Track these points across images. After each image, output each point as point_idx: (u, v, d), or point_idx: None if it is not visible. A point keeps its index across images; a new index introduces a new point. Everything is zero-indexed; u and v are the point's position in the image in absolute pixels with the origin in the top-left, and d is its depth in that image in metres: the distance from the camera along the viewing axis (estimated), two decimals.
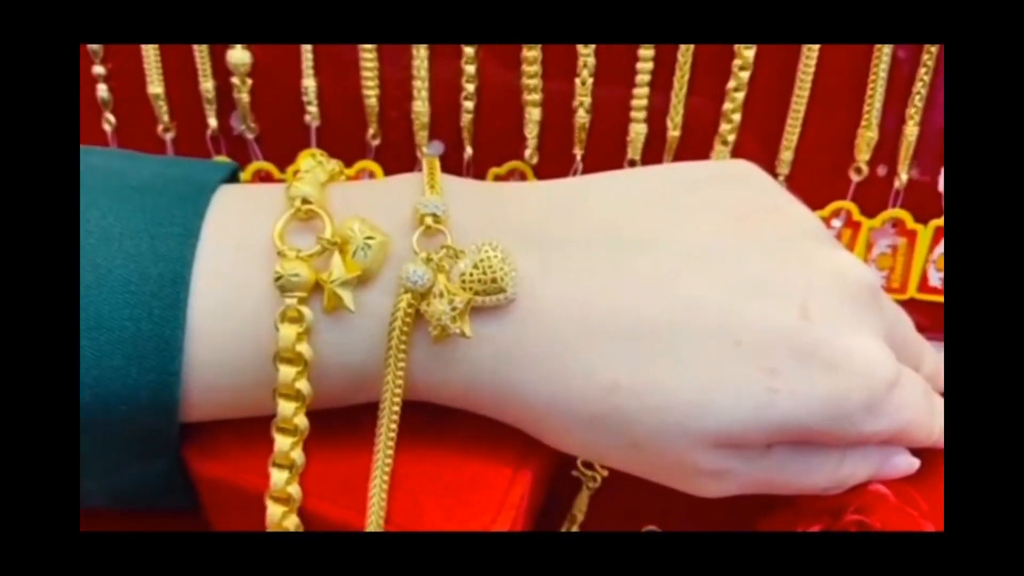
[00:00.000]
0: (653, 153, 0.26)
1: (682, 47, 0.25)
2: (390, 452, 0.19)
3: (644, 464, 0.20)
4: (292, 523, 0.19)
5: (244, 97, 0.27)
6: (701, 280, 0.19)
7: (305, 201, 0.18)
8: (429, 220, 0.18)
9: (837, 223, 0.27)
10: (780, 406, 0.18)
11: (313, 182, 0.19)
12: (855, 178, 0.26)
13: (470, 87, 0.26)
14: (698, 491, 0.20)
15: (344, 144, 0.27)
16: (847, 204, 0.27)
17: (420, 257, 0.18)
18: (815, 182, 0.26)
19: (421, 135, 0.27)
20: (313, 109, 0.27)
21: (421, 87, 0.26)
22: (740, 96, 0.25)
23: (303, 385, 0.18)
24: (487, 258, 0.18)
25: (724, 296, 0.18)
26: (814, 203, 0.23)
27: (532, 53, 0.25)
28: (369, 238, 0.18)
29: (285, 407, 0.18)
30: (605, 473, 0.25)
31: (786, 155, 0.26)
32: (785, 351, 0.18)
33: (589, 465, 0.25)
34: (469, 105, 0.26)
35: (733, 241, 0.19)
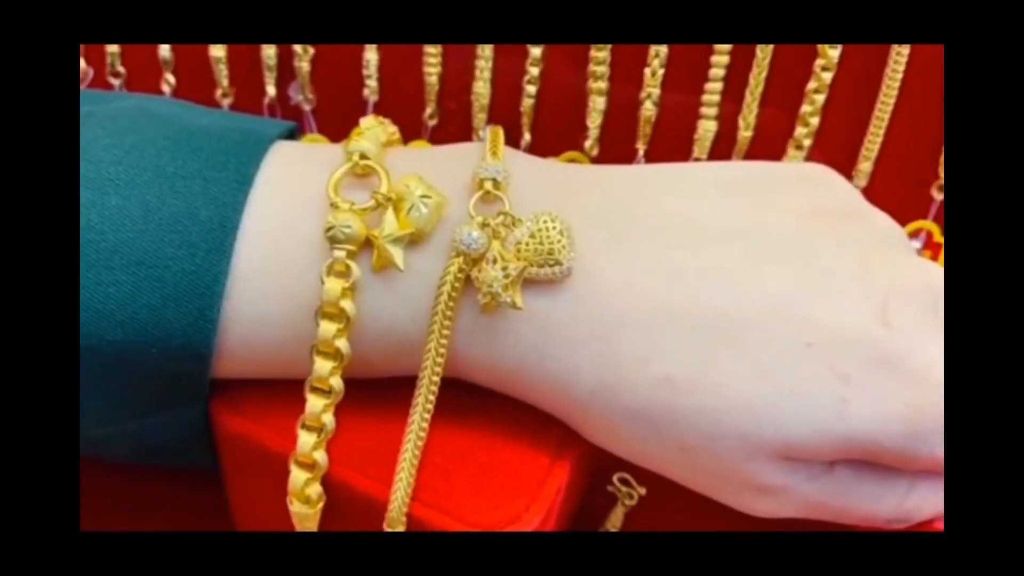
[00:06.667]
0: (721, 154, 0.26)
1: (759, 54, 0.24)
2: (425, 425, 0.18)
3: (691, 471, 0.19)
4: (315, 491, 0.19)
5: (304, 66, 0.27)
6: (774, 273, 0.18)
7: (363, 156, 0.18)
8: (488, 185, 0.18)
9: (916, 244, 0.26)
10: (851, 417, 0.18)
11: (373, 139, 0.19)
12: (938, 196, 0.26)
13: (534, 71, 0.26)
14: (748, 508, 0.19)
15: (400, 122, 0.27)
16: (928, 224, 0.26)
17: (476, 221, 0.18)
18: (894, 198, 0.26)
19: (479, 118, 0.27)
20: (372, 83, 0.27)
21: (484, 67, 0.26)
22: (820, 99, 0.25)
23: (343, 344, 0.18)
24: (545, 228, 0.18)
25: (798, 292, 0.18)
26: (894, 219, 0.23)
27: (602, 53, 0.25)
28: (425, 197, 0.18)
29: (321, 365, 0.18)
30: (643, 491, 0.25)
31: (865, 166, 0.26)
32: (861, 357, 0.18)
33: (626, 481, 0.25)
34: (531, 89, 0.26)
35: (811, 237, 0.19)
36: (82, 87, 0.29)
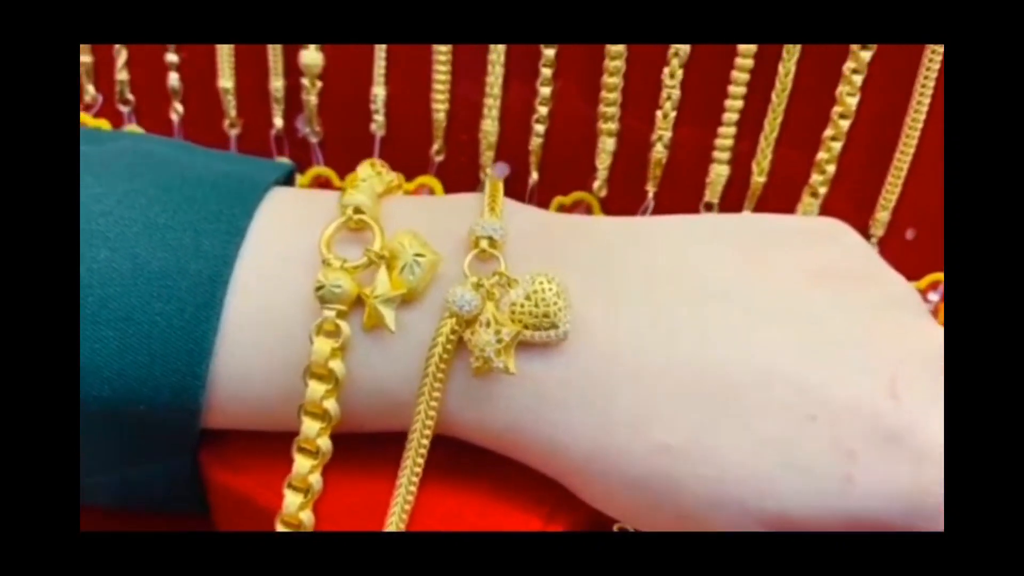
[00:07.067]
0: (733, 199, 0.26)
1: (776, 89, 0.24)
2: (413, 487, 0.18)
3: None
4: None
5: (312, 99, 0.27)
6: (777, 340, 0.18)
7: (357, 210, 0.18)
8: (484, 243, 0.18)
9: (934, 297, 0.26)
10: (854, 496, 0.17)
11: (368, 191, 0.19)
12: None
13: (543, 110, 0.26)
14: None
15: (407, 157, 0.27)
16: None
17: (470, 281, 0.17)
18: (913, 249, 0.25)
19: (487, 155, 0.27)
20: (380, 118, 0.27)
21: (493, 105, 0.26)
22: (837, 146, 0.24)
23: (331, 404, 0.18)
24: (541, 290, 0.17)
25: (801, 359, 0.17)
26: (909, 272, 0.22)
27: (612, 95, 0.25)
28: (419, 255, 0.17)
29: (309, 426, 0.18)
30: None
31: (882, 216, 0.25)
32: (866, 431, 0.17)
33: (625, 532, 0.24)
34: (540, 128, 0.26)
35: (817, 301, 0.18)
36: (91, 113, 0.29)
